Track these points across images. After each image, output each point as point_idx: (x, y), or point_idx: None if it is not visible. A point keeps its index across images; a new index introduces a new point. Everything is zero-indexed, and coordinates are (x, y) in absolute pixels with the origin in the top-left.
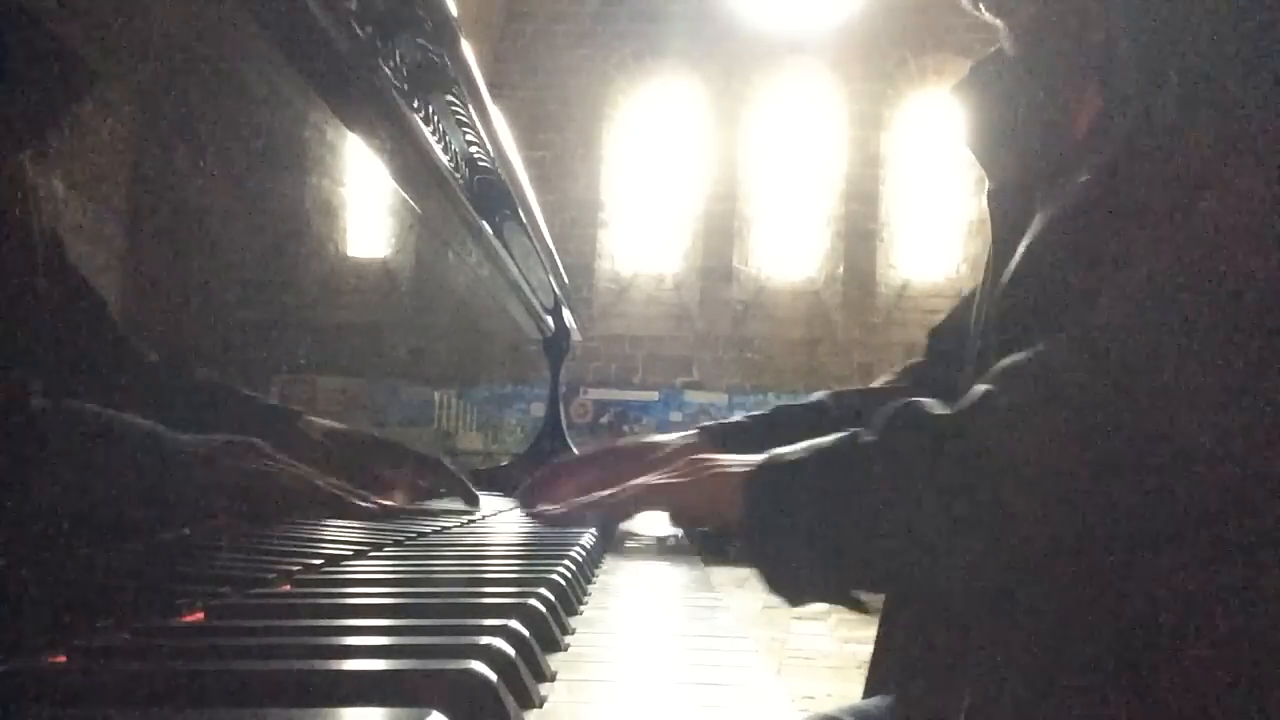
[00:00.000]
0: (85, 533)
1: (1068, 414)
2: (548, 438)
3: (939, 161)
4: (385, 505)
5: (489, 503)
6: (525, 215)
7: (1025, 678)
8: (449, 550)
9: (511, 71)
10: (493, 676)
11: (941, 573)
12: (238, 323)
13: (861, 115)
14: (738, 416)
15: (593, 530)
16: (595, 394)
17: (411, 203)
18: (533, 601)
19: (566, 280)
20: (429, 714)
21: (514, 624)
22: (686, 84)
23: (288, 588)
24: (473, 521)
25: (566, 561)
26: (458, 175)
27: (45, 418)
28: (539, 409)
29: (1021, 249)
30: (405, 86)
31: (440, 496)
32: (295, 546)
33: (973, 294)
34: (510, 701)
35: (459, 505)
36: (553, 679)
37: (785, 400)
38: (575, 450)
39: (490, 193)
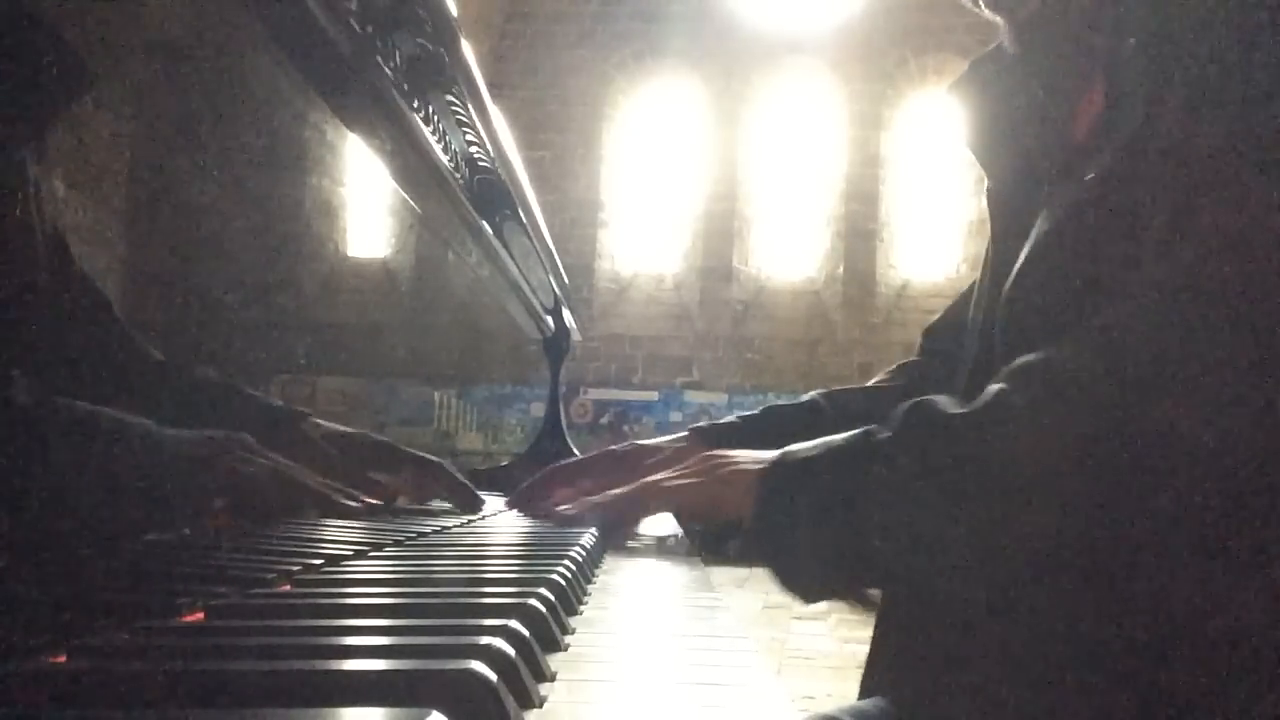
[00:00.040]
0: (85, 533)
1: (1082, 415)
2: (548, 438)
3: (939, 161)
4: (371, 503)
5: (489, 503)
6: (525, 215)
7: (1028, 679)
8: (449, 550)
9: (511, 71)
10: (493, 676)
11: (952, 570)
12: (238, 322)
13: (861, 115)
14: (729, 418)
15: (593, 530)
16: (595, 394)
17: (411, 203)
18: (533, 602)
19: (566, 280)
20: (429, 714)
21: (514, 624)
22: (686, 84)
23: (288, 588)
24: (473, 521)
25: (566, 561)
26: (458, 175)
27: (46, 417)
28: (539, 409)
29: (1027, 249)
30: (405, 86)
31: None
32: (295, 546)
33: (969, 292)
34: (510, 702)
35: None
36: (553, 679)
37: (786, 400)
38: (575, 451)
39: (490, 193)
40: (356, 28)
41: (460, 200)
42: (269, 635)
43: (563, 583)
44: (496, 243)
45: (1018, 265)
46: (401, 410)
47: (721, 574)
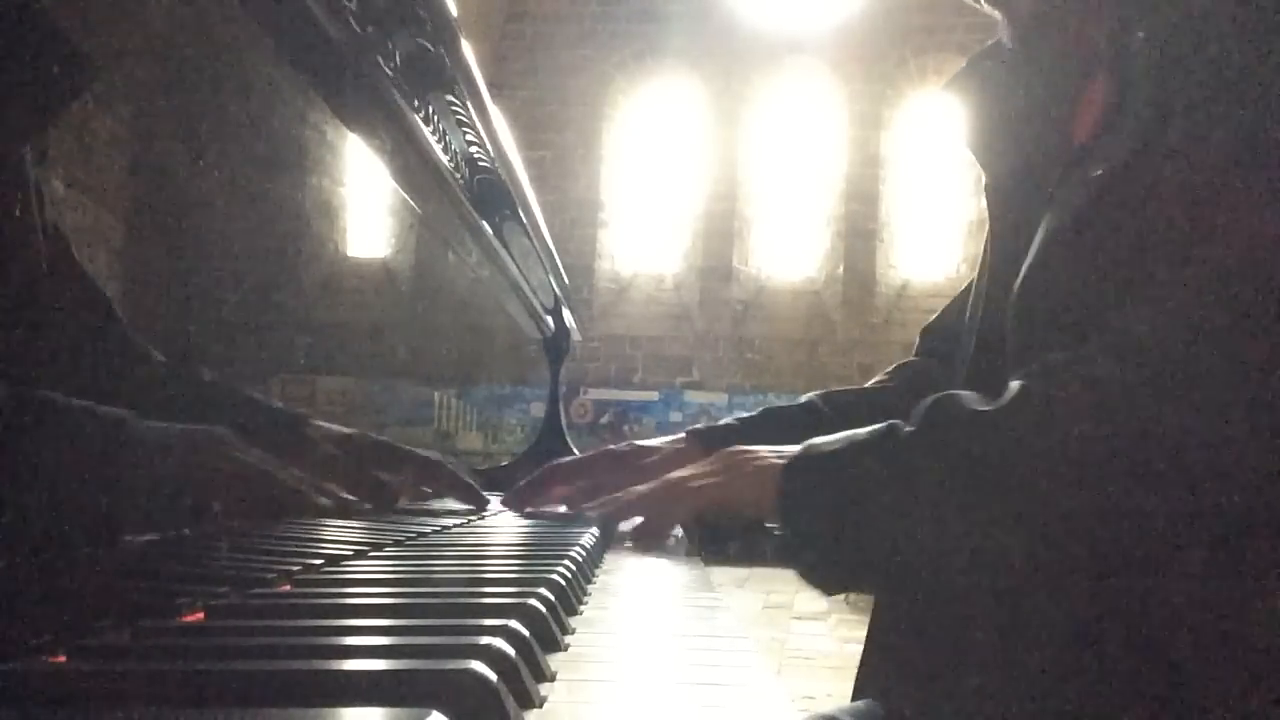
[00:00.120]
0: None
1: (1106, 414)
2: (548, 438)
3: (939, 161)
4: (347, 499)
5: (490, 502)
6: (525, 215)
7: (1031, 680)
8: (449, 550)
9: (511, 71)
10: (493, 676)
11: (968, 565)
12: (238, 322)
13: (861, 115)
14: (727, 419)
15: (593, 530)
16: (595, 394)
17: (411, 203)
18: (533, 601)
19: (566, 280)
20: (429, 714)
21: (514, 624)
22: (686, 84)
23: (288, 588)
24: (472, 521)
25: (567, 561)
26: (458, 175)
27: (45, 417)
28: (539, 409)
29: (1035, 247)
30: (405, 86)
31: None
32: (295, 546)
33: (966, 291)
34: (510, 702)
35: (461, 505)
36: (553, 679)
37: (786, 400)
38: (575, 450)
39: (490, 193)
40: (356, 27)
41: (460, 200)
42: (269, 635)
43: (563, 583)
44: (496, 243)
45: (1026, 264)
46: (401, 410)
47: (721, 574)
